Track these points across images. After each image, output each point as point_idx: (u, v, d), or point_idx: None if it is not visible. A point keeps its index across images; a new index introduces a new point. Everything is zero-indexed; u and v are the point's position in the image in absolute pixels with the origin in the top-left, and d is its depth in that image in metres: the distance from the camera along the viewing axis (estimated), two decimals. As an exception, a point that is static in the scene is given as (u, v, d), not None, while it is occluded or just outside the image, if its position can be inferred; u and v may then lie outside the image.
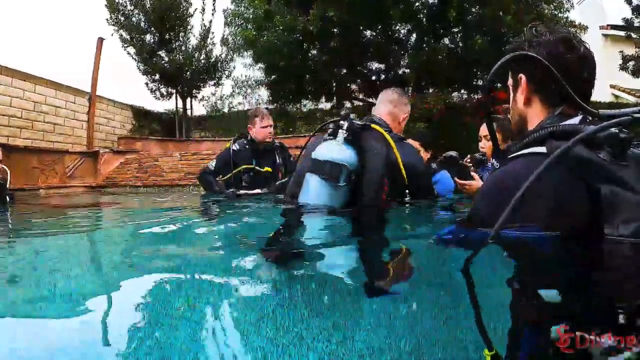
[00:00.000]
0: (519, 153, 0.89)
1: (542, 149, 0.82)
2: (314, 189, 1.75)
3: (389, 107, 2.15)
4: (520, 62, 0.96)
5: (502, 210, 0.75)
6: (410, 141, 2.93)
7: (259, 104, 13.59)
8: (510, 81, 1.05)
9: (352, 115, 1.90)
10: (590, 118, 0.89)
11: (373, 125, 1.89)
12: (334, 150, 1.77)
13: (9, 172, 3.24)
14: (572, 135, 0.77)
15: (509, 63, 0.95)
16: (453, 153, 2.38)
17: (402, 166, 1.83)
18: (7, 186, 3.16)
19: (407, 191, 1.90)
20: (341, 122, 1.83)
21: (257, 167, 3.37)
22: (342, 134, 1.80)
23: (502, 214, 0.75)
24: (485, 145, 2.55)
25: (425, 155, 2.86)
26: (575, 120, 0.89)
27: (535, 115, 0.98)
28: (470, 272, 0.83)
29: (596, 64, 0.96)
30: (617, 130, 0.73)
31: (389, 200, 1.85)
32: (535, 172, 0.73)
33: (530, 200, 0.75)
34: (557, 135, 0.82)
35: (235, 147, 3.37)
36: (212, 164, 3.36)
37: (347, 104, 11.54)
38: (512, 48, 1.01)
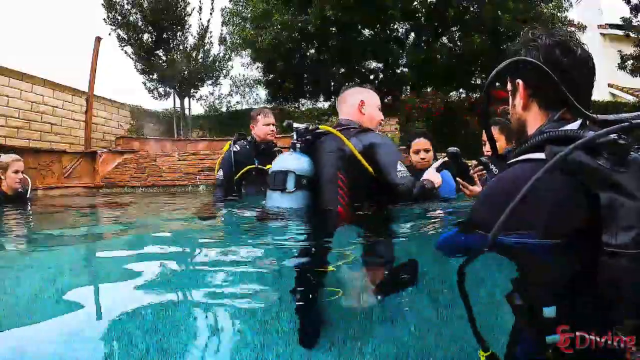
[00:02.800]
0: (518, 159, 0.88)
1: (541, 155, 0.81)
2: (271, 201, 1.84)
3: (344, 105, 2.13)
4: (517, 66, 0.96)
5: (499, 217, 0.74)
6: (420, 140, 2.88)
7: (258, 103, 13.61)
8: (508, 86, 1.05)
9: (298, 125, 1.93)
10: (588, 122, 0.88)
11: (322, 127, 1.93)
12: (284, 160, 1.88)
13: (30, 181, 3.36)
14: (571, 140, 0.76)
15: (506, 68, 0.95)
16: (454, 149, 2.33)
17: (358, 155, 1.78)
18: (28, 195, 3.30)
19: (375, 184, 1.81)
20: (292, 133, 1.90)
21: (260, 166, 3.35)
22: (297, 144, 1.89)
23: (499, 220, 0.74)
24: (490, 149, 2.53)
25: (430, 155, 2.84)
26: (575, 125, 0.88)
27: (534, 120, 0.97)
28: (464, 278, 0.83)
29: (595, 66, 0.95)
30: (616, 136, 0.72)
31: (356, 204, 1.80)
32: (533, 177, 0.72)
33: (529, 206, 0.74)
34: (556, 141, 0.81)
35: (236, 147, 3.34)
36: (220, 175, 3.33)
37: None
38: (509, 52, 1.01)
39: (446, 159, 2.94)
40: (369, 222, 1.75)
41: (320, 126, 1.94)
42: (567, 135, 0.81)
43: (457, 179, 2.23)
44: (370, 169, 1.78)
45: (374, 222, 1.76)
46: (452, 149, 2.30)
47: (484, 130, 2.78)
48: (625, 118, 0.78)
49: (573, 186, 0.75)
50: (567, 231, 0.76)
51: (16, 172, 3.14)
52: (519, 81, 0.98)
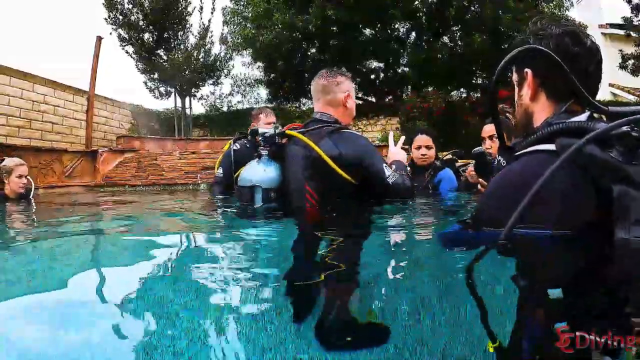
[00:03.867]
0: (526, 150, 0.86)
1: (551, 147, 0.80)
2: None
3: (324, 97, 1.86)
4: (526, 56, 0.93)
5: (510, 210, 0.73)
6: (421, 137, 2.83)
7: (258, 102, 13.61)
8: (514, 76, 1.02)
9: (264, 130, 1.76)
10: (596, 115, 0.87)
11: (289, 131, 1.76)
12: (251, 172, 1.77)
13: (33, 184, 3.40)
14: (581, 132, 0.75)
15: (514, 58, 0.93)
16: (480, 149, 2.29)
17: (329, 160, 1.60)
18: (31, 196, 3.35)
19: (355, 186, 1.65)
20: (260, 139, 1.78)
21: None
22: (264, 152, 1.77)
23: (511, 213, 0.72)
24: (490, 146, 2.51)
25: (432, 152, 2.81)
26: (583, 117, 0.86)
27: (542, 111, 0.95)
28: (473, 273, 0.82)
29: (602, 59, 0.93)
30: (629, 128, 0.71)
31: (330, 204, 1.67)
32: (548, 171, 0.71)
33: (540, 200, 0.73)
34: (566, 132, 0.80)
35: (236, 146, 3.33)
36: (219, 172, 3.33)
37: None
38: (517, 42, 0.99)
39: (449, 156, 2.93)
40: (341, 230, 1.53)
41: (287, 131, 1.77)
42: (578, 127, 0.79)
43: (479, 179, 2.20)
44: (346, 175, 1.62)
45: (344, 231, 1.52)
46: (478, 149, 2.27)
47: (483, 128, 2.76)
48: (638, 110, 0.77)
49: (583, 179, 0.74)
50: (577, 224, 0.75)
51: (20, 176, 3.17)
52: (528, 70, 0.95)
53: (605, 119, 0.86)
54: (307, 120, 1.91)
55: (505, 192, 0.84)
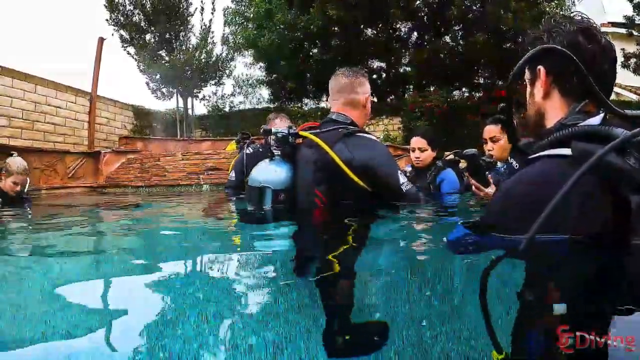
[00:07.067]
0: (542, 154, 0.83)
1: (567, 151, 0.77)
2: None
3: (344, 96, 1.79)
4: (540, 53, 0.89)
5: (525, 215, 0.70)
6: (415, 139, 2.83)
7: (260, 103, 13.61)
8: (527, 74, 0.99)
9: (277, 129, 1.71)
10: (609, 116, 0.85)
11: (302, 133, 1.71)
12: (262, 172, 1.74)
13: (28, 181, 3.42)
14: (597, 136, 0.73)
15: (531, 57, 0.88)
16: (472, 150, 2.26)
17: (343, 165, 1.55)
18: (25, 195, 3.37)
19: (367, 192, 1.60)
20: (271, 138, 1.74)
21: None
22: (277, 153, 1.73)
23: (526, 218, 0.69)
24: (492, 148, 2.49)
25: (431, 154, 2.80)
26: (597, 119, 0.84)
27: (554, 110, 0.92)
28: (487, 280, 0.79)
29: (617, 58, 0.91)
30: None
31: (339, 209, 1.61)
32: (570, 180, 0.68)
33: (556, 207, 0.70)
34: (582, 136, 0.77)
35: (249, 150, 3.31)
36: (232, 176, 3.31)
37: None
38: (530, 39, 0.96)
39: (450, 156, 2.91)
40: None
41: (300, 131, 1.72)
42: (594, 132, 0.76)
43: (472, 180, 2.19)
44: (360, 182, 1.57)
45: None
46: (469, 150, 2.24)
47: (484, 129, 2.74)
48: None
49: (602, 187, 0.72)
50: (595, 233, 0.73)
51: (15, 183, 3.19)
52: (541, 67, 0.92)
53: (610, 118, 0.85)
54: (323, 120, 1.86)
55: (519, 197, 0.81)
